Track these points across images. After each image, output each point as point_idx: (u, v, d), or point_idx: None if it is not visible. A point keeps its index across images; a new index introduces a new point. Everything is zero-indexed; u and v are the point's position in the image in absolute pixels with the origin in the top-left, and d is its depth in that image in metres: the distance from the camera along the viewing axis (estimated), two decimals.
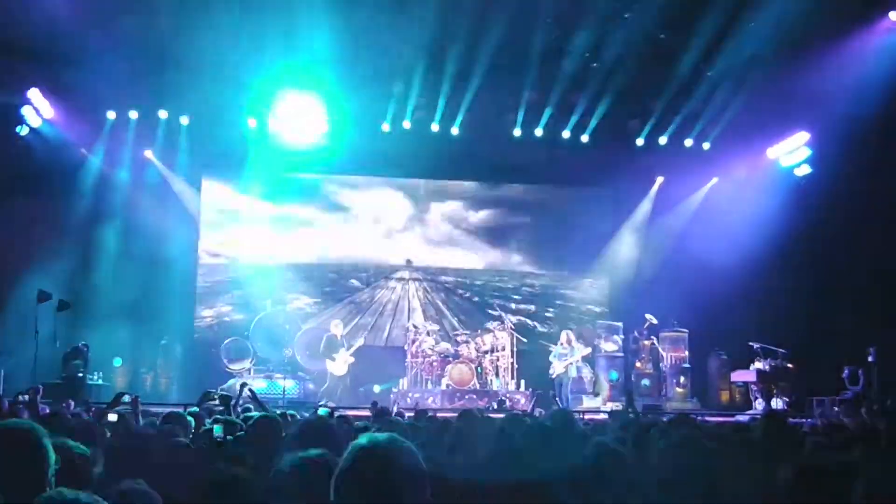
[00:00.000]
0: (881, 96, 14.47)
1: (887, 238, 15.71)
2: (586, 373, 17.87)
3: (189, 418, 6.39)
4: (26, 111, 15.74)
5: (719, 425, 8.63)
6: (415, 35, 15.21)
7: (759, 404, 16.64)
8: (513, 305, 19.95)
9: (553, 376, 16.93)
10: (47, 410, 9.09)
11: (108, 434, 5.76)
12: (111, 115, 17.37)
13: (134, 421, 6.98)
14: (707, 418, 11.68)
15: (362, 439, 2.52)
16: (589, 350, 17.65)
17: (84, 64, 14.61)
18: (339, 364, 17.12)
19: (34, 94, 15.80)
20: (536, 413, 11.93)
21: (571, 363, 16.98)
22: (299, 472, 2.92)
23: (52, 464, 3.05)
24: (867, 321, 16.29)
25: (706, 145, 18.83)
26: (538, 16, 15.05)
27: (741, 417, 13.07)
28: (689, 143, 18.79)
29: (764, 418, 5.38)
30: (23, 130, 15.86)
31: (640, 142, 18.70)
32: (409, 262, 19.90)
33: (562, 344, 17.18)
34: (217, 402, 7.86)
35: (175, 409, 8.07)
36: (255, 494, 3.43)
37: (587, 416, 13.27)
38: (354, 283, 19.75)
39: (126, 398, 7.69)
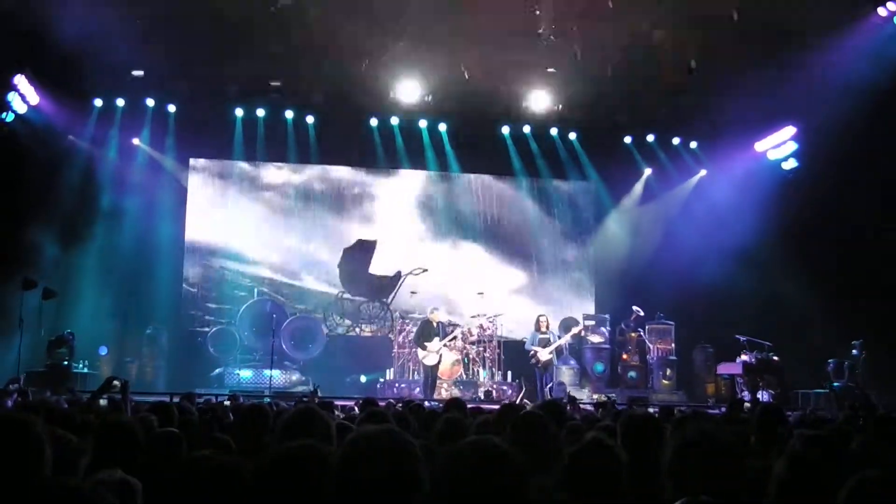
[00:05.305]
0: (867, 90, 14.49)
1: (872, 231, 15.78)
2: (570, 366, 17.85)
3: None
4: (12, 98, 15.58)
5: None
6: None
7: (745, 396, 16.68)
8: (500, 296, 19.89)
9: (538, 365, 16.08)
10: (30, 398, 9.08)
11: (97, 422, 5.72)
12: (98, 102, 17.34)
13: (125, 406, 6.93)
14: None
15: (357, 432, 2.49)
16: (580, 328, 17.52)
17: (71, 51, 14.47)
18: (432, 353, 16.23)
19: (20, 80, 15.65)
20: (524, 404, 11.87)
21: (561, 346, 16.50)
22: (285, 461, 2.89)
23: (48, 455, 3.01)
24: (852, 314, 16.37)
25: (693, 144, 18.95)
26: None
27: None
28: (675, 141, 18.94)
29: (760, 410, 5.35)
30: (8, 117, 15.71)
31: (627, 139, 18.85)
32: None
33: (539, 329, 16.33)
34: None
35: (162, 399, 8.00)
36: (240, 482, 3.40)
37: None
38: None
39: (116, 383, 7.61)
